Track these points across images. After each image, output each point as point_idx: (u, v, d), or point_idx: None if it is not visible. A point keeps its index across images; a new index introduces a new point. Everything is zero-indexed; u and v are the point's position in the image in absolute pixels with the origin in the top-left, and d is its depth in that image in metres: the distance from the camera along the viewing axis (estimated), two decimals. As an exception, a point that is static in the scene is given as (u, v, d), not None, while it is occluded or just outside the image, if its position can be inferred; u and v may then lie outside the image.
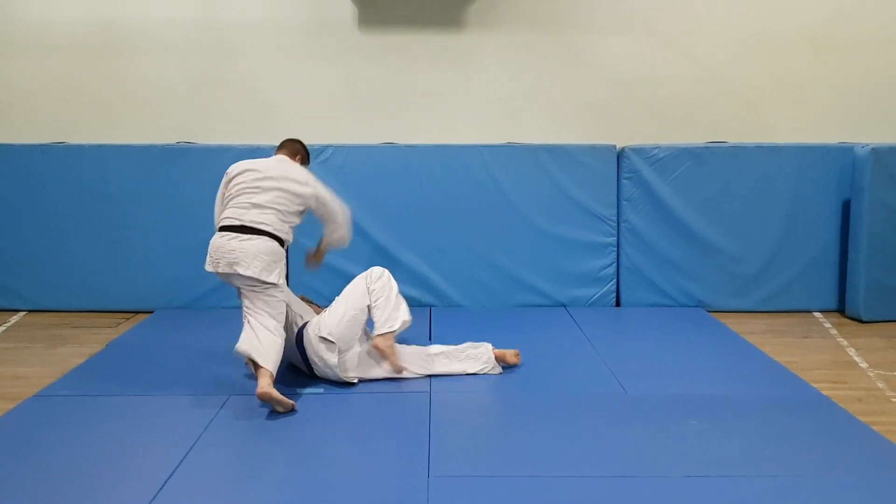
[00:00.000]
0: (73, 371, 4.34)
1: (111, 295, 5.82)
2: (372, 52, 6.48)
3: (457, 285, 5.85)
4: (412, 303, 5.74)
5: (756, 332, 5.29)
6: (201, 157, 5.77)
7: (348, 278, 5.53)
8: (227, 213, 4.00)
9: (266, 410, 3.71)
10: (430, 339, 4.88)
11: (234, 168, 4.11)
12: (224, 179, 4.12)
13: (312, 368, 4.10)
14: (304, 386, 4.04)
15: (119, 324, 5.51)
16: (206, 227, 5.80)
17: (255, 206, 3.95)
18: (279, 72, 6.47)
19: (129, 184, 5.76)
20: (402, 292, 4.21)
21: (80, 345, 4.97)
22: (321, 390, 3.98)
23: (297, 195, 4.02)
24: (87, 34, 6.41)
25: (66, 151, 5.80)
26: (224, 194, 4.11)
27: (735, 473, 3.07)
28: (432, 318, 5.48)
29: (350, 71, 6.48)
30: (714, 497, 2.88)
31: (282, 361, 3.94)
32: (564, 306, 5.83)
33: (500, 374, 4.25)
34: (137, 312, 5.77)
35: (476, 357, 4.25)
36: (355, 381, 4.08)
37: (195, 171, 5.73)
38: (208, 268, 4.02)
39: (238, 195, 4.01)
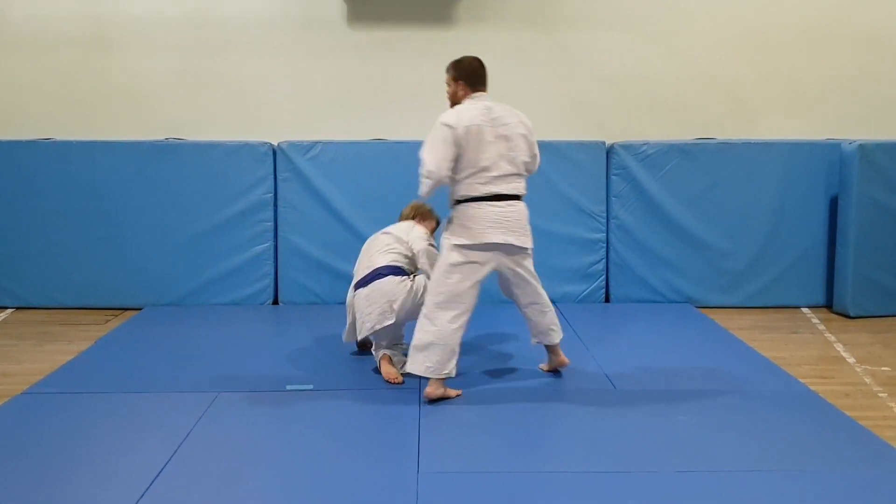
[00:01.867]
0: (62, 368, 4.33)
1: (100, 292, 5.79)
2: (361, 48, 6.46)
3: (447, 281, 5.83)
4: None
5: (744, 327, 5.32)
6: (190, 154, 5.76)
7: (337, 275, 5.58)
8: None
9: (254, 407, 3.71)
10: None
11: None
12: None
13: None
14: (293, 382, 4.04)
15: (108, 320, 5.49)
16: (195, 223, 5.84)
17: None
18: (268, 68, 6.45)
19: (118, 180, 5.73)
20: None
21: (68, 342, 4.95)
22: (310, 386, 3.98)
23: None
24: (75, 30, 6.38)
25: (55, 148, 5.77)
26: None
27: (723, 468, 3.08)
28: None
29: (339, 67, 6.47)
30: (703, 491, 2.90)
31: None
32: (554, 302, 5.80)
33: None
34: (126, 309, 5.75)
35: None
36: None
37: (184, 167, 5.72)
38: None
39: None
